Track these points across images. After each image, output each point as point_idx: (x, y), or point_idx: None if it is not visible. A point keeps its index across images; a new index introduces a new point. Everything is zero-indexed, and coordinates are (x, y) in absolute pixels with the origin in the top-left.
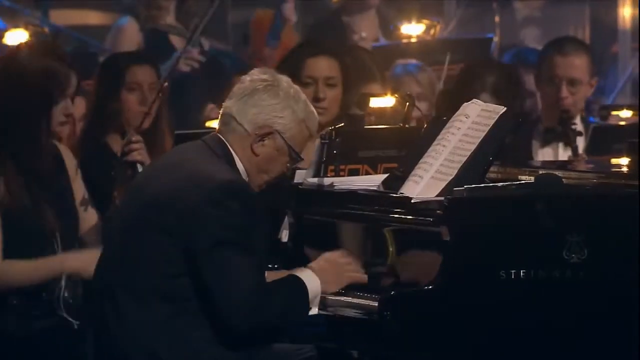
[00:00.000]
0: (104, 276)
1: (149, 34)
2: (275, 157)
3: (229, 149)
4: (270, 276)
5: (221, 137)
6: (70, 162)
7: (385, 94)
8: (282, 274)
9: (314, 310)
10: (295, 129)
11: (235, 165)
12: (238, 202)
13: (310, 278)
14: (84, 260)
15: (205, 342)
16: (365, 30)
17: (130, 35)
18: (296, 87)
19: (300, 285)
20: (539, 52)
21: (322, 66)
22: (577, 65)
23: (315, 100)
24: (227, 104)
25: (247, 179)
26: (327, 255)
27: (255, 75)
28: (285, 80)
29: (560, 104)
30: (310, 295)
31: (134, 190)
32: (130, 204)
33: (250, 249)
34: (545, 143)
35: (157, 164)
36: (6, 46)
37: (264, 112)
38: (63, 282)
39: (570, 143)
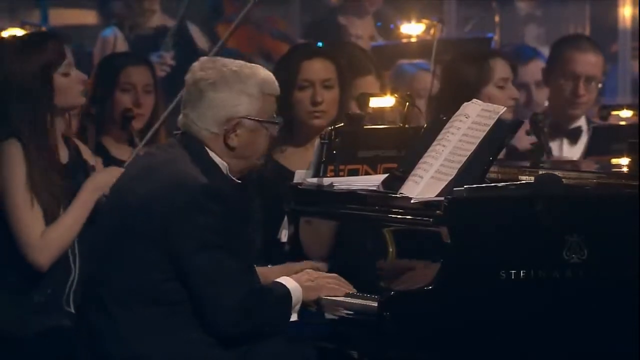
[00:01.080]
0: (92, 284)
1: (135, 42)
2: (253, 139)
3: (203, 147)
4: (265, 272)
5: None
6: (89, 159)
7: (385, 94)
8: (277, 269)
9: (294, 317)
10: (258, 104)
11: (215, 163)
12: (219, 204)
13: (293, 285)
14: (107, 175)
15: (199, 344)
16: (360, 30)
17: (114, 46)
18: (238, 62)
19: (287, 292)
20: (551, 49)
21: (318, 68)
22: (594, 62)
23: (314, 103)
24: (185, 112)
25: (228, 172)
26: (308, 270)
27: (197, 74)
28: (224, 64)
29: (576, 101)
30: (293, 302)
31: (114, 196)
32: (112, 211)
33: (235, 250)
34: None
35: (133, 170)
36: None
37: (220, 108)
38: (76, 273)
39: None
